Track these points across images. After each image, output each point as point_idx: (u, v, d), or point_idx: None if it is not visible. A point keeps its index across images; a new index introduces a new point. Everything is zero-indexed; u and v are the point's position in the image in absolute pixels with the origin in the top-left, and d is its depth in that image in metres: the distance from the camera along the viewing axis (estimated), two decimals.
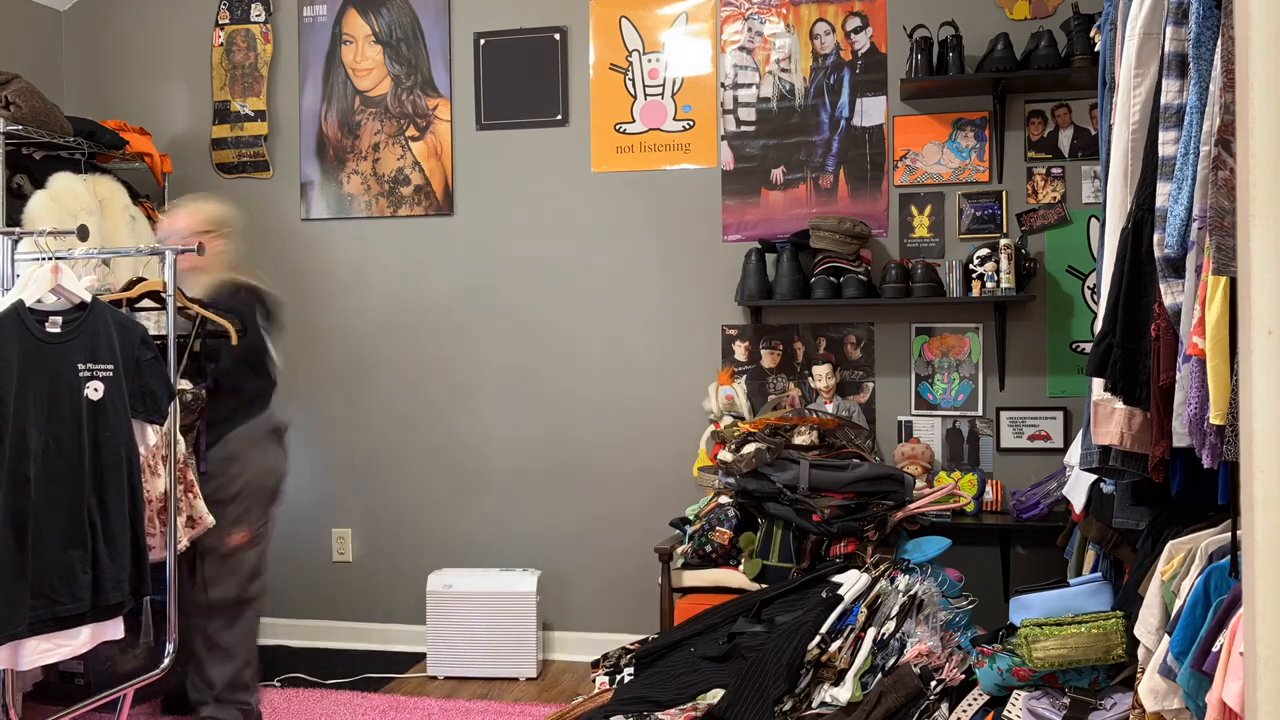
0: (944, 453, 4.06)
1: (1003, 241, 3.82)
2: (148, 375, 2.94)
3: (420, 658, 4.20)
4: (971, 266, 3.88)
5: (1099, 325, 2.19)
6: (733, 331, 4.21)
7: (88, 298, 2.82)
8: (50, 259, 2.82)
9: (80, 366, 2.75)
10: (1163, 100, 1.90)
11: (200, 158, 4.63)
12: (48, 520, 2.66)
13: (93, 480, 2.76)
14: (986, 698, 2.70)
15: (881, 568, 3.21)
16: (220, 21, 4.61)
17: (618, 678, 3.18)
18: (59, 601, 2.67)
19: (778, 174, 4.17)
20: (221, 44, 4.60)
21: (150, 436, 3.00)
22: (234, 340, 3.31)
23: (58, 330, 2.72)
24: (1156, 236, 1.89)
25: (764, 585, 3.44)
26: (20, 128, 3.74)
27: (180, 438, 3.21)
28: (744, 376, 4.17)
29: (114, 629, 2.86)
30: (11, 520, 2.58)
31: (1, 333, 2.60)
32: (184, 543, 3.27)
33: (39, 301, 2.74)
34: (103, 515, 2.78)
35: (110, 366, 2.82)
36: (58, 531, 2.67)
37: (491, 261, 4.41)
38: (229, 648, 3.41)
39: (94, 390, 2.77)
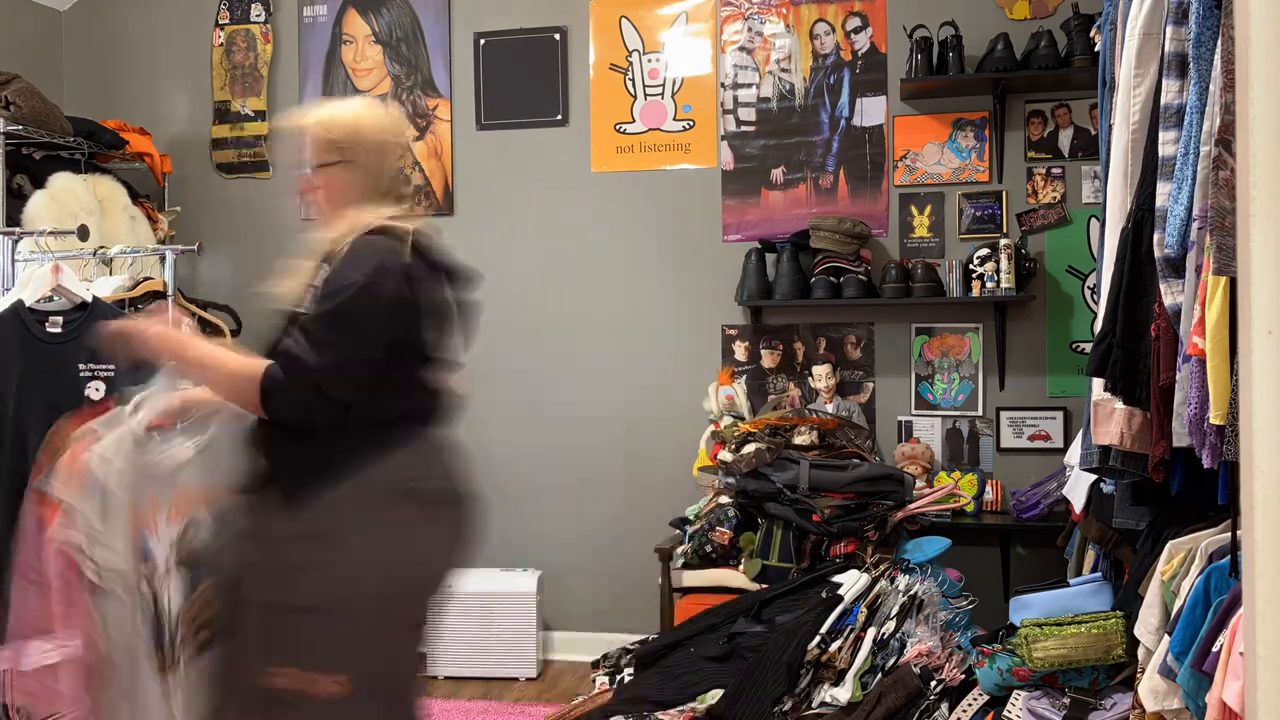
0: (944, 453, 4.06)
1: (1003, 241, 3.82)
2: (150, 379, 2.94)
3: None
4: (971, 266, 3.88)
5: (1099, 325, 2.19)
6: (733, 331, 4.21)
7: (89, 298, 2.82)
8: (52, 258, 2.83)
9: (81, 367, 2.76)
10: (1163, 100, 1.90)
11: (200, 158, 4.63)
12: None
13: None
14: (986, 698, 2.70)
15: (881, 568, 3.21)
16: (220, 21, 4.61)
17: (618, 678, 3.18)
18: None
19: (778, 174, 4.17)
20: (221, 44, 4.60)
21: None
22: (226, 339, 3.15)
23: (58, 330, 2.72)
24: (1156, 236, 1.89)
25: (764, 585, 3.45)
26: (20, 128, 3.74)
27: None
28: (744, 376, 4.17)
29: None
30: (14, 521, 2.58)
31: (1, 333, 2.60)
32: None
33: (41, 301, 2.74)
34: None
35: (112, 367, 2.82)
36: None
37: (491, 261, 4.40)
38: None
39: (95, 390, 2.78)
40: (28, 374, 2.64)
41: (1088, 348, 3.82)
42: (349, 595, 1.88)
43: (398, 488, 1.97)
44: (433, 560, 2.07)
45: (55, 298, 2.78)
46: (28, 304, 2.69)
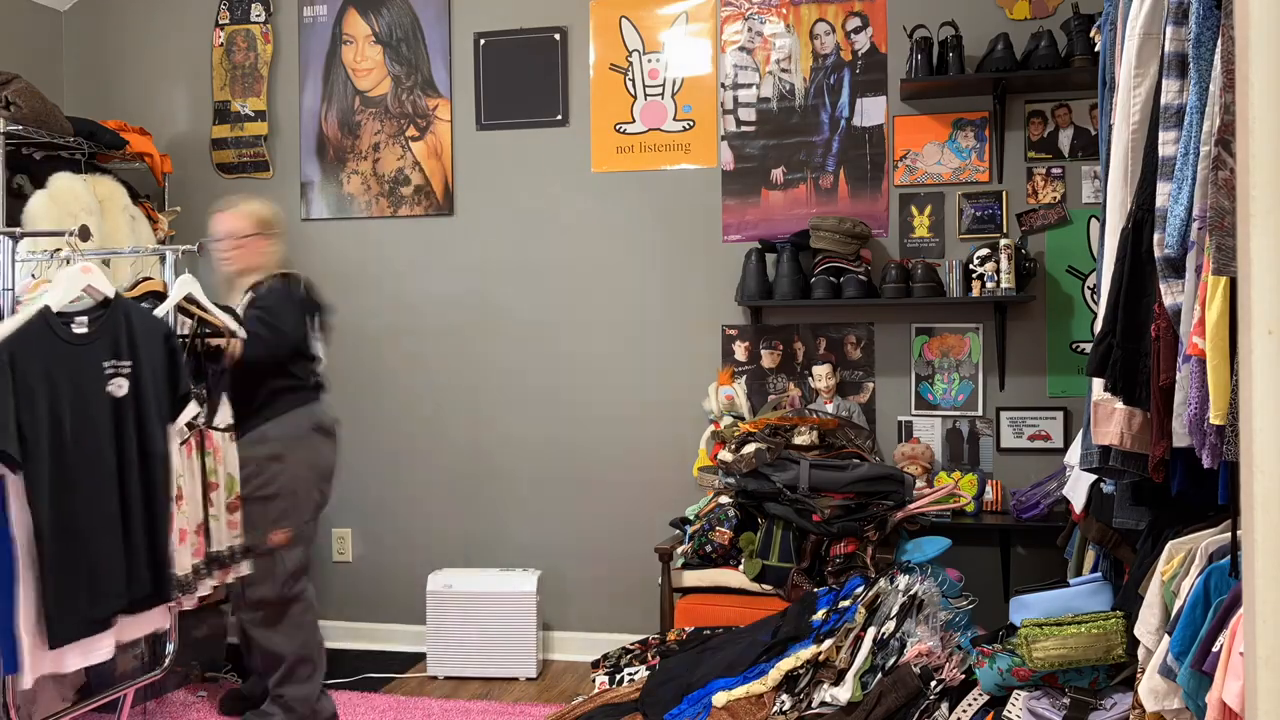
0: (944, 453, 4.06)
1: (1003, 241, 3.82)
2: (164, 372, 2.96)
3: (420, 658, 4.20)
4: (971, 266, 3.88)
5: (1099, 325, 2.19)
6: (733, 331, 4.21)
7: (112, 293, 2.83)
8: (51, 257, 2.83)
9: (105, 365, 2.77)
10: (1163, 100, 1.90)
11: (200, 158, 4.63)
12: (92, 520, 2.69)
13: (122, 476, 2.79)
14: (986, 698, 2.70)
15: (881, 568, 3.20)
16: (220, 21, 4.61)
17: (618, 677, 3.18)
18: (108, 598, 2.72)
19: (778, 174, 4.17)
20: (221, 44, 4.60)
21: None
22: (235, 340, 3.26)
23: (84, 330, 2.73)
24: (1156, 236, 1.89)
25: (764, 585, 3.45)
26: (20, 128, 3.74)
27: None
28: (744, 376, 4.17)
29: (157, 619, 2.91)
30: (62, 524, 2.61)
31: (30, 341, 2.61)
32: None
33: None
34: (143, 508, 2.82)
35: (131, 363, 2.83)
36: (100, 530, 2.71)
37: (491, 261, 4.41)
38: (273, 648, 3.43)
39: (118, 387, 2.79)
40: (58, 380, 2.65)
41: (1088, 348, 3.82)
42: (293, 485, 3.41)
43: (313, 424, 3.48)
44: (327, 463, 3.54)
45: (82, 296, 2.78)
46: (56, 308, 2.69)
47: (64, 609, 2.61)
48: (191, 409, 3.04)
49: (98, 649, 2.73)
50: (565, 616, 4.31)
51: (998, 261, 3.82)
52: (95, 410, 2.74)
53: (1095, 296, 3.85)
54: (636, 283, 4.29)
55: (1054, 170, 3.97)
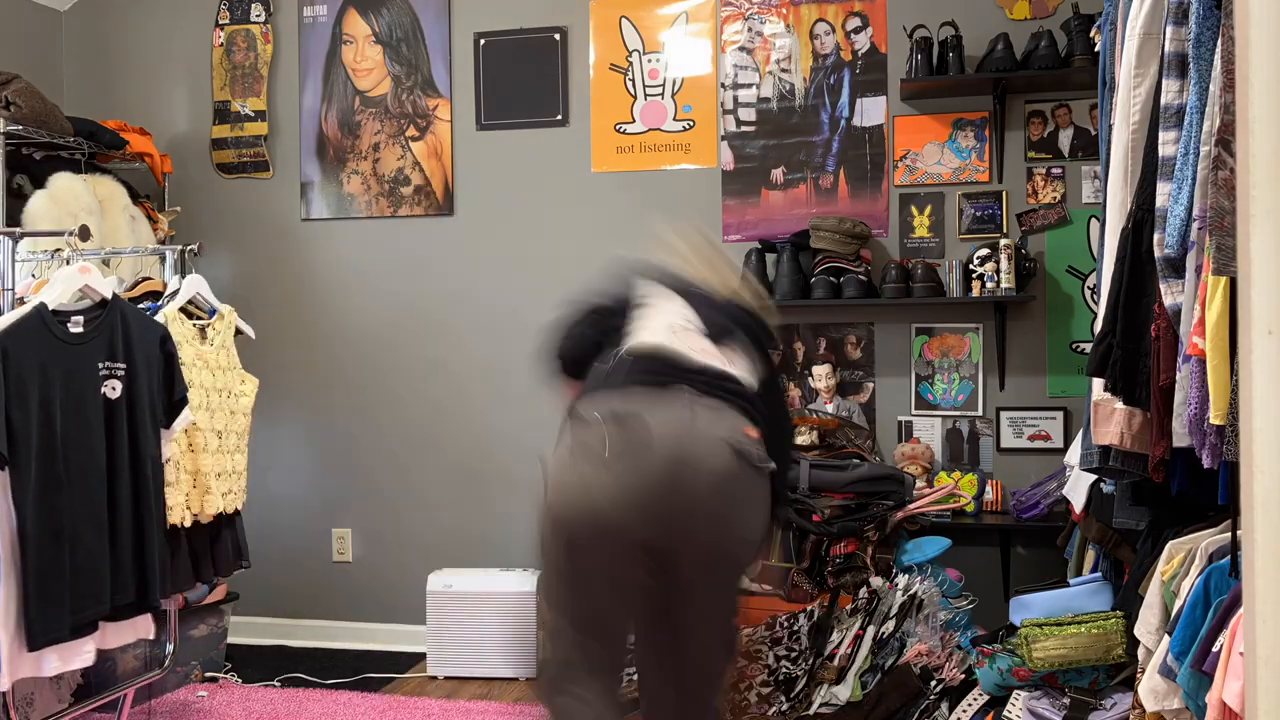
0: (944, 453, 4.06)
1: (1003, 241, 3.82)
2: (160, 376, 2.96)
3: (420, 658, 4.20)
4: (971, 266, 3.88)
5: (1099, 325, 2.19)
6: None
7: (109, 294, 2.83)
8: (52, 256, 2.83)
9: (100, 366, 2.76)
10: (1163, 100, 1.90)
11: (200, 158, 4.63)
12: (78, 522, 2.68)
13: (113, 479, 2.78)
14: (986, 698, 2.71)
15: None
16: (220, 21, 4.61)
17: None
18: (92, 602, 2.70)
19: (778, 174, 4.17)
20: (221, 44, 4.60)
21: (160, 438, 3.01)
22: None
23: (80, 330, 2.72)
24: (1156, 236, 1.89)
25: (764, 585, 3.44)
26: (20, 128, 3.73)
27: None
28: None
29: (143, 626, 2.90)
30: (47, 523, 2.59)
31: (25, 338, 2.60)
32: None
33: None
34: (131, 513, 2.81)
35: (126, 365, 2.83)
36: (86, 532, 2.69)
37: (491, 261, 4.40)
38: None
39: (111, 389, 2.78)
40: (52, 378, 2.64)
41: (1088, 348, 3.82)
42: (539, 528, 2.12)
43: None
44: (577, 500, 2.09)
45: (82, 296, 2.78)
46: (51, 306, 2.68)
47: (45, 611, 2.59)
48: (186, 414, 3.03)
49: (79, 654, 2.70)
50: None
51: (998, 261, 3.82)
52: (88, 411, 2.72)
53: (1095, 296, 3.85)
54: None
55: (1054, 170, 3.97)
